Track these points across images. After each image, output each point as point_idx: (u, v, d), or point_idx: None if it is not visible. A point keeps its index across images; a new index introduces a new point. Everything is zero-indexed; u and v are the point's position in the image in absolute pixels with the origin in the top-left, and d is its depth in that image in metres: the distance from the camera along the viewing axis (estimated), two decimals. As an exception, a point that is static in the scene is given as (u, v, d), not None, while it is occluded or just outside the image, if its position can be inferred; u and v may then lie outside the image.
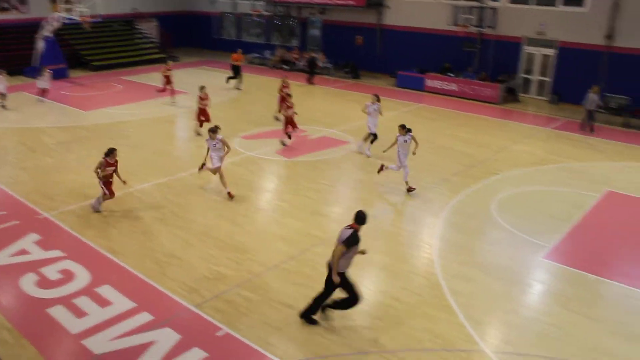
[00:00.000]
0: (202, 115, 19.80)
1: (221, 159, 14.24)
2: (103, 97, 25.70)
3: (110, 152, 12.96)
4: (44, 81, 24.06)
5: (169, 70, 24.56)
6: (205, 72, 32.96)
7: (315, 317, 9.21)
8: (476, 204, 14.57)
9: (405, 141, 14.86)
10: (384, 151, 16.01)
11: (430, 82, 29.59)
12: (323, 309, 9.24)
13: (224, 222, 12.93)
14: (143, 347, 8.51)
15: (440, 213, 13.82)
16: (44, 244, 11.65)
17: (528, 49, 29.23)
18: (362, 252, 9.15)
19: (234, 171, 15.92)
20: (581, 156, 19.33)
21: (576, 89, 27.46)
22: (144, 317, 9.23)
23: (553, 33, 28.09)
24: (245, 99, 26.50)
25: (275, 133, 19.64)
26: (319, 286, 9.12)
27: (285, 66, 34.80)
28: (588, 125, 23.00)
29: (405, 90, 29.71)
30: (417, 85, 29.82)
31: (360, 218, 8.87)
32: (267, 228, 12.83)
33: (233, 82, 28.65)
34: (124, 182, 13.32)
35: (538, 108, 27.42)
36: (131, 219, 13.05)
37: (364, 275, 10.76)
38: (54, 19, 29.55)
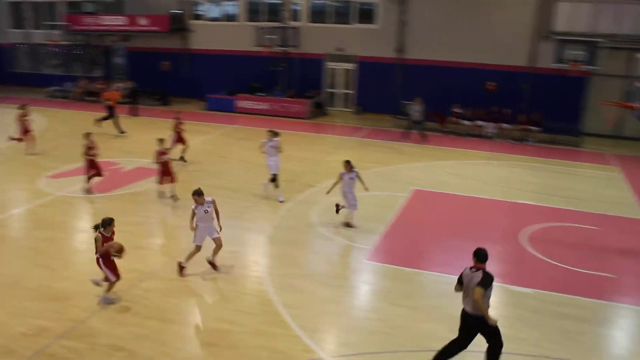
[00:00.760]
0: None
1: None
2: None
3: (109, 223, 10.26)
4: None
5: None
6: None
7: None
8: (298, 217, 15.11)
9: (351, 179, 14.12)
10: (327, 192, 14.48)
11: (240, 103, 30.06)
12: None
13: (38, 270, 11.90)
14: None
15: (265, 230, 14.12)
16: None
17: (330, 65, 30.96)
18: None
19: (43, 214, 14.88)
20: (387, 160, 20.89)
21: (377, 99, 29.77)
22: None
23: (351, 49, 30.11)
24: (48, 135, 24.82)
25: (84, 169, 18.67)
26: (151, 323, 8.87)
27: (90, 98, 33.06)
28: (419, 134, 24.86)
29: (217, 113, 29.88)
30: (228, 107, 30.14)
31: (483, 256, 8.11)
32: (87, 269, 11.96)
33: (106, 123, 24.72)
34: None
35: (345, 119, 29.12)
36: None
37: (193, 303, 10.65)
38: None
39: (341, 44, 30.32)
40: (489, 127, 26.20)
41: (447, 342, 8.55)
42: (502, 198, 17.36)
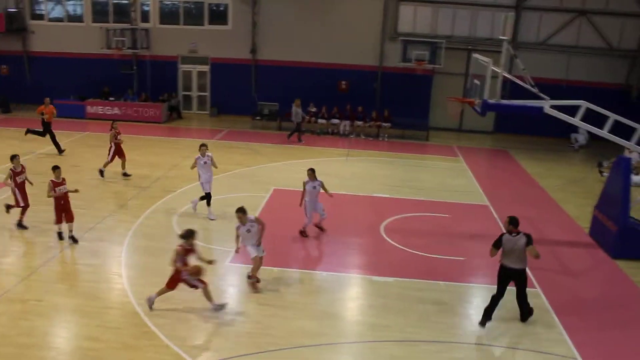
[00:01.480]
0: None
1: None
2: None
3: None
4: None
5: None
6: None
7: None
8: (158, 224, 14.66)
9: (314, 188, 13.69)
10: (300, 204, 13.98)
11: (91, 109, 28.55)
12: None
13: None
14: None
15: (124, 240, 13.53)
16: None
17: (184, 67, 30.35)
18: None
19: None
20: (247, 161, 20.89)
21: (233, 101, 29.65)
22: None
23: (204, 50, 29.71)
24: None
25: None
26: (6, 350, 8.17)
27: None
28: (298, 135, 24.93)
29: (66, 119, 28.09)
30: (78, 113, 28.44)
31: (516, 221, 10.27)
32: None
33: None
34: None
35: (201, 122, 28.70)
36: None
37: (52, 324, 9.97)
38: None
39: (194, 46, 29.81)
40: (343, 125, 27.04)
41: (321, 337, 8.75)
42: (359, 193, 18.01)
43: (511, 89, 19.52)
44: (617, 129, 14.14)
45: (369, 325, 10.23)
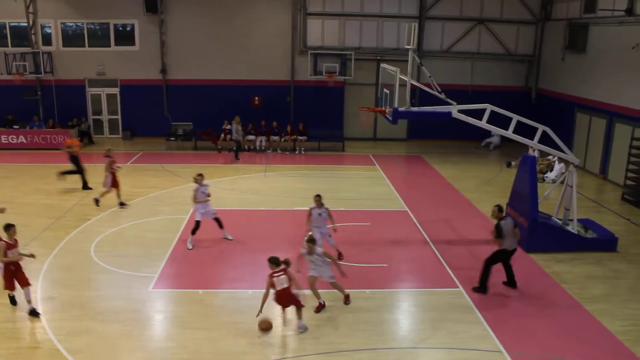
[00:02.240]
0: None
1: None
2: None
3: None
4: None
5: None
6: None
7: None
8: (75, 254, 14.10)
9: (320, 215, 13.26)
10: (308, 231, 13.27)
11: (-6, 138, 27.14)
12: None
13: None
14: None
15: (38, 274, 12.92)
16: None
17: (92, 90, 29.45)
18: None
19: None
20: (163, 184, 20.47)
21: (145, 122, 29.07)
22: None
23: (113, 72, 28.97)
24: None
25: None
26: None
27: None
28: (235, 154, 24.69)
29: (-35, 150, 26.67)
30: (-21, 144, 26.99)
31: (502, 208, 12.41)
32: None
33: (72, 179, 20.08)
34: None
35: (114, 146, 27.74)
36: None
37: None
38: None
39: (101, 68, 29.00)
40: (259, 141, 27.03)
41: (249, 355, 8.70)
42: (280, 207, 18.02)
43: (420, 97, 20.16)
44: (522, 129, 14.89)
45: (298, 339, 10.25)
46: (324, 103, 29.10)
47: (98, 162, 24.67)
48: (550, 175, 21.94)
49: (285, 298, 10.24)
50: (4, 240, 10.76)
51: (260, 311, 9.98)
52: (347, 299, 11.65)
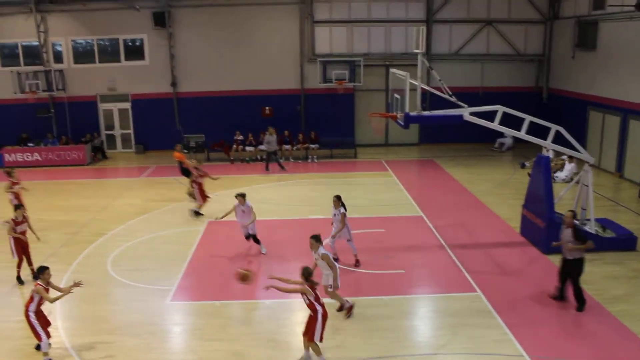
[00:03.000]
0: None
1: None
2: None
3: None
4: None
5: None
6: None
7: None
8: (92, 269, 14.16)
9: (334, 215, 13.77)
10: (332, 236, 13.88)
11: (9, 157, 27.35)
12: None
13: None
14: None
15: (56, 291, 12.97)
16: None
17: (104, 106, 29.68)
18: None
19: None
20: (178, 196, 20.51)
21: (158, 136, 29.24)
22: None
23: (124, 87, 29.19)
24: None
25: None
26: None
27: None
28: (277, 164, 24.57)
29: (-19, 169, 26.96)
30: (-5, 162, 27.33)
31: (575, 215, 11.57)
32: None
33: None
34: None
35: (128, 161, 28.07)
36: None
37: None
38: None
39: (112, 83, 29.22)
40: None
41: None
42: (294, 217, 18.01)
43: (431, 100, 20.12)
44: (535, 129, 14.79)
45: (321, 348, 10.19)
46: (334, 110, 29.10)
47: (111, 176, 24.93)
48: (561, 174, 21.74)
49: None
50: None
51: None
52: (342, 309, 11.41)
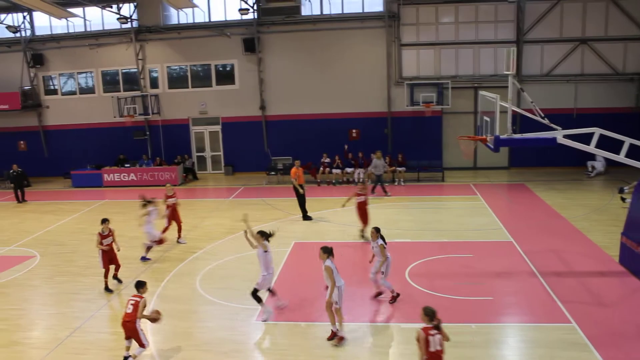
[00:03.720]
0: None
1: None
2: None
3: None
4: None
5: None
6: None
7: None
8: (182, 286, 14.58)
9: (373, 248, 12.92)
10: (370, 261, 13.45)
11: (108, 177, 28.98)
12: None
13: None
14: None
15: (148, 306, 13.41)
16: None
17: (195, 129, 30.81)
18: None
19: None
20: (265, 217, 20.86)
21: (246, 158, 29.98)
22: None
23: (214, 110, 30.24)
24: None
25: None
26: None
27: None
28: (381, 187, 24.46)
29: (84, 189, 28.59)
30: (95, 182, 28.96)
31: None
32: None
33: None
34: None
35: (216, 182, 28.90)
36: None
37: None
38: None
39: (203, 107, 30.32)
40: (358, 173, 27.06)
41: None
42: (380, 239, 17.82)
43: (522, 123, 19.56)
44: (634, 152, 14.02)
45: (403, 374, 9.99)
46: (421, 133, 28.84)
47: (201, 197, 25.68)
48: None
49: None
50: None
51: None
52: (332, 335, 11.21)
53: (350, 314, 12.46)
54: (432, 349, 8.29)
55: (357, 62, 28.82)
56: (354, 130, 29.32)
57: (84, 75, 31.50)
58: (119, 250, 14.83)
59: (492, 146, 14.22)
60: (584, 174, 26.97)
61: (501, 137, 13.91)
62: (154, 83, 30.66)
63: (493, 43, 27.98)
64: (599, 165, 26.67)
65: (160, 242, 16.92)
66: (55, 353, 11.14)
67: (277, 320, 12.44)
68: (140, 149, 30.80)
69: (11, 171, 26.78)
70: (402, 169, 26.92)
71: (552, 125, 14.01)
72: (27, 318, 13.31)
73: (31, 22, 31.13)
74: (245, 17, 28.27)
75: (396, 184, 26.62)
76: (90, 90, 31.46)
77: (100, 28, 30.68)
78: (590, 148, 13.94)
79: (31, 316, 13.43)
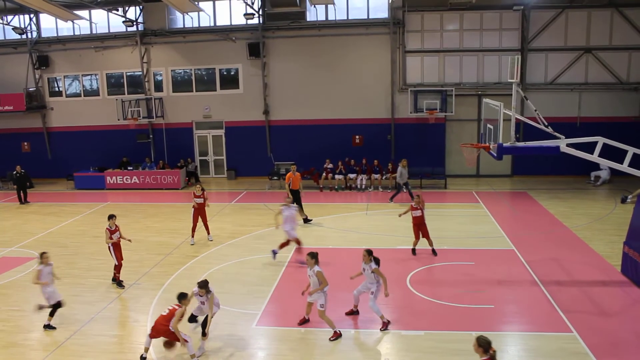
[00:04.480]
0: None
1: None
2: None
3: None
4: None
5: None
6: None
7: None
8: (182, 289, 14.44)
9: (364, 270, 12.31)
10: (351, 277, 12.89)
11: (110, 179, 29.02)
12: None
13: None
14: None
15: (148, 309, 13.44)
16: None
17: (199, 133, 30.84)
18: None
19: None
20: (267, 222, 20.83)
21: (249, 163, 29.98)
22: None
23: (218, 115, 30.26)
24: None
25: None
26: None
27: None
28: (408, 193, 23.92)
29: (86, 191, 28.65)
30: (98, 184, 29.00)
31: None
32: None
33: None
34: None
35: (219, 186, 28.92)
36: None
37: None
38: None
39: (207, 111, 30.37)
40: (360, 179, 27.05)
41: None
42: (382, 246, 17.79)
43: (525, 131, 19.53)
44: (638, 162, 13.98)
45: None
46: (425, 140, 28.82)
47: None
48: None
49: None
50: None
51: None
52: (334, 336, 11.53)
53: (352, 320, 12.43)
54: None
55: (361, 68, 28.84)
56: (357, 136, 29.32)
57: (88, 77, 31.59)
58: (130, 241, 15.38)
59: (495, 154, 14.21)
60: (587, 183, 26.91)
61: (504, 145, 13.89)
62: (159, 86, 30.72)
63: (497, 51, 27.97)
64: (605, 173, 26.62)
65: (297, 242, 16.72)
66: (55, 355, 11.14)
67: (277, 325, 12.41)
68: (144, 152, 30.84)
69: (14, 172, 26.83)
70: (405, 175, 26.88)
71: (556, 133, 13.98)
72: (27, 320, 13.30)
73: (37, 24, 31.23)
74: (250, 21, 28.32)
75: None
76: (94, 92, 31.54)
77: (106, 31, 30.78)
78: (594, 157, 13.91)
79: (31, 318, 13.39)
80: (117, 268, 14.88)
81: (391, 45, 28.39)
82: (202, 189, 18.80)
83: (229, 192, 27.42)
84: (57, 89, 32.01)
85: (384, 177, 27.04)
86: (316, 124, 29.36)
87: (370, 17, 28.75)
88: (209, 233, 19.10)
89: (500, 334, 11.76)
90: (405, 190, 24.13)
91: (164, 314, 10.79)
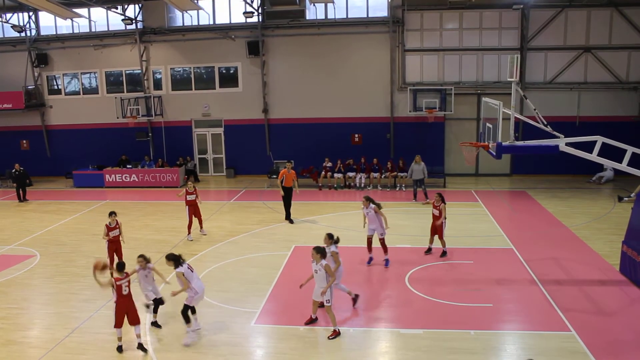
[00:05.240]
0: None
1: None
2: None
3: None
4: None
5: None
6: None
7: None
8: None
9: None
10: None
11: (109, 177, 29.01)
12: None
13: None
14: None
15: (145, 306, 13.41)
16: None
17: (198, 131, 30.84)
18: None
19: None
20: (266, 220, 20.85)
21: (248, 161, 30.00)
22: None
23: (217, 113, 30.26)
24: None
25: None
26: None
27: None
28: (423, 193, 23.93)
29: (85, 189, 28.63)
30: (97, 182, 29.00)
31: None
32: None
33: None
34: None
35: (218, 184, 28.92)
36: None
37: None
38: None
39: (206, 109, 30.36)
40: (359, 178, 27.05)
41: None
42: (379, 245, 17.77)
43: (524, 130, 19.54)
44: (637, 161, 13.99)
45: (401, 380, 9.96)
46: (424, 139, 28.81)
47: (202, 199, 25.65)
48: None
49: None
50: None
51: None
52: (333, 334, 11.55)
53: (350, 318, 12.44)
54: None
55: (360, 66, 28.83)
56: (356, 135, 29.32)
57: (87, 75, 31.58)
58: (123, 242, 15.54)
59: (494, 153, 14.20)
60: (587, 182, 26.91)
61: (503, 144, 13.88)
62: (158, 84, 30.70)
63: (497, 50, 27.97)
64: (609, 173, 26.65)
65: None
66: (54, 353, 11.14)
67: (276, 323, 12.41)
68: (143, 150, 30.83)
69: (13, 170, 26.81)
70: (404, 174, 26.87)
71: (555, 132, 13.98)
72: (26, 317, 13.30)
73: (36, 22, 31.21)
74: (249, 20, 28.32)
75: (397, 189, 26.59)
76: (93, 90, 31.52)
77: (105, 29, 30.77)
78: (592, 156, 13.91)
79: (30, 315, 13.41)
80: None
81: (390, 44, 28.38)
82: (194, 187, 19.34)
83: (228, 190, 27.41)
84: (56, 87, 31.99)
85: (382, 176, 27.04)
86: (315, 123, 29.36)
87: (369, 15, 28.74)
88: (202, 228, 19.43)
89: (498, 332, 11.78)
90: (420, 188, 24.14)
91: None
